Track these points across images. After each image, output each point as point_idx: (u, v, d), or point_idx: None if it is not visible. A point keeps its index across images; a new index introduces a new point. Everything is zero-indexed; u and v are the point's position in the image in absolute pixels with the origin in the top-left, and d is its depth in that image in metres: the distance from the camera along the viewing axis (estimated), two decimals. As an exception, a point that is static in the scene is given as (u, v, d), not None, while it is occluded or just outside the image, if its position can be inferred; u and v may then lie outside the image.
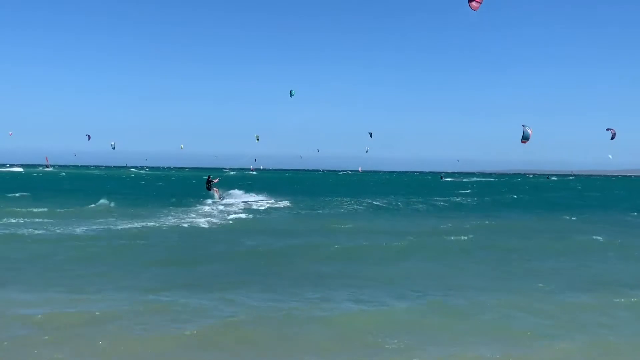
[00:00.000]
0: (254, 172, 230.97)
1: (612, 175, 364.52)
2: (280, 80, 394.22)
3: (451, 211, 45.12)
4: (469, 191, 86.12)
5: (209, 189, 50.91)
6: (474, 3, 22.63)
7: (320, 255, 22.34)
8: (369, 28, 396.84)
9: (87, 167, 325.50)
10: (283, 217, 37.74)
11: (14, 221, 31.01)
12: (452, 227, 32.29)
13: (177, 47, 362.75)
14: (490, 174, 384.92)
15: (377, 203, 53.46)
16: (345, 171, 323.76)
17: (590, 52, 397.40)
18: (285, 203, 48.85)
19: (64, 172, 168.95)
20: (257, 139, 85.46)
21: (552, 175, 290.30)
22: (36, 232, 26.75)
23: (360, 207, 47.43)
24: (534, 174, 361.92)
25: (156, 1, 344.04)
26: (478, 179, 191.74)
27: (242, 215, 37.50)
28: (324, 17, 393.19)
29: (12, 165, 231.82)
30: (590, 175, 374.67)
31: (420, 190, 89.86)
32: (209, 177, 51.63)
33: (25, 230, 27.14)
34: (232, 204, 46.63)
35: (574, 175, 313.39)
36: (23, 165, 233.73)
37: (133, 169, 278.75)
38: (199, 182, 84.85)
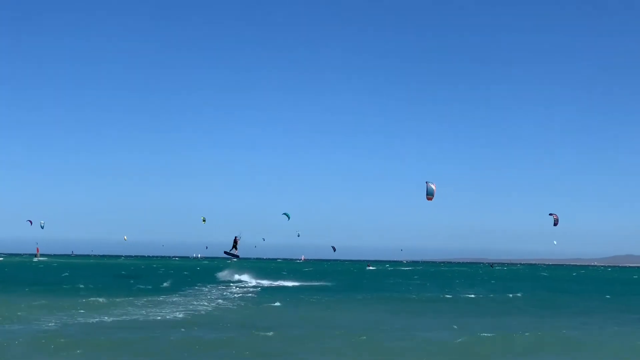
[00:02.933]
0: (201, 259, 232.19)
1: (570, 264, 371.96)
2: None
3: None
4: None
5: (234, 247, 56.89)
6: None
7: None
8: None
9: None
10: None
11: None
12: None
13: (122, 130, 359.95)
14: (432, 262, 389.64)
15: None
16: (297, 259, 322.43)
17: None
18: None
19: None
20: (204, 221, 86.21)
21: (497, 264, 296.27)
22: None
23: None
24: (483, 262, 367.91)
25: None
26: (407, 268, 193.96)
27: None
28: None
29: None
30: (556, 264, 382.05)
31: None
32: (235, 238, 56.21)
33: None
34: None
35: (521, 264, 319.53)
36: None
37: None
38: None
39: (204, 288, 56.15)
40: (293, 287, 61.70)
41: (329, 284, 69.54)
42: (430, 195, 38.34)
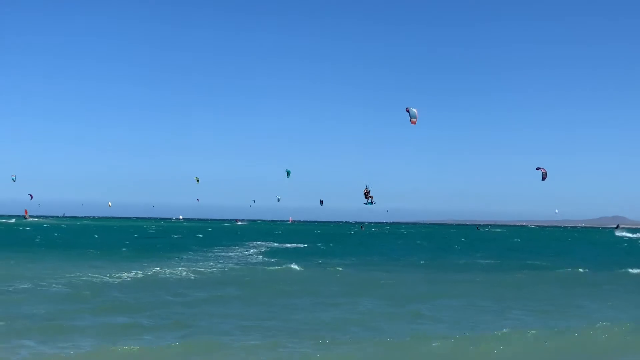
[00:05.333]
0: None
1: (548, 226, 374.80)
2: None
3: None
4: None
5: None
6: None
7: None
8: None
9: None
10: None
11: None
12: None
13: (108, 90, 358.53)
14: (421, 224, 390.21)
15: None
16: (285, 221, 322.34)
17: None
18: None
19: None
20: (197, 181, 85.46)
21: (482, 225, 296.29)
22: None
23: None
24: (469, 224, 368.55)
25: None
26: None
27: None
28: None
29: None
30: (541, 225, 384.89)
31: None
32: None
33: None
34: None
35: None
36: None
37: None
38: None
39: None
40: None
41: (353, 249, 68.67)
42: (414, 118, 37.77)
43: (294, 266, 38.24)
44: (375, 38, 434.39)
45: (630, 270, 39.86)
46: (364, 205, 56.62)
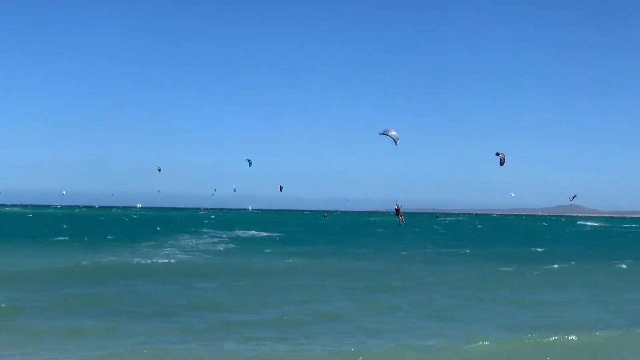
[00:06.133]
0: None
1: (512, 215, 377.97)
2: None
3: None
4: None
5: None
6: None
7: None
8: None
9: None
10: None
11: None
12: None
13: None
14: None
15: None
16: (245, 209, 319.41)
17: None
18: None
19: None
20: (159, 170, 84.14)
21: (441, 214, 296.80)
22: None
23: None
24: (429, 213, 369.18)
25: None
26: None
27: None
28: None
29: None
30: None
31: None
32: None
33: None
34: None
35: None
36: None
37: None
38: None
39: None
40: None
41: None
42: (397, 140, 36.54)
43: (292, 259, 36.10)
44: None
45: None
46: (397, 223, 59.05)
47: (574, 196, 64.38)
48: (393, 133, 36.47)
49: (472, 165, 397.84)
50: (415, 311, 19.67)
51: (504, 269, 31.62)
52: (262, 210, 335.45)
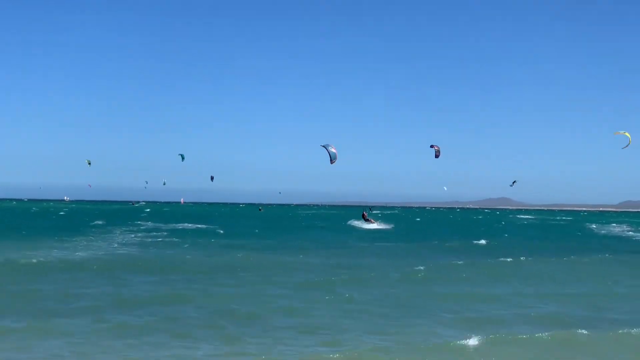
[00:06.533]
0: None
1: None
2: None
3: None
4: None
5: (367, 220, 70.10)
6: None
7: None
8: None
9: None
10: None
11: None
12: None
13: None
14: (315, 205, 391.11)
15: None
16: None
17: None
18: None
19: None
20: (89, 164, 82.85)
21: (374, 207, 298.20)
22: None
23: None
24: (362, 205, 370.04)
25: None
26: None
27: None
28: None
29: None
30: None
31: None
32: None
33: None
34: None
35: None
36: None
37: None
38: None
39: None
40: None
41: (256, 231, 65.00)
42: (333, 159, 36.04)
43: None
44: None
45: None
46: (362, 224, 66.84)
47: (514, 182, 67.23)
48: (332, 150, 36.01)
49: (405, 158, 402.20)
50: (369, 306, 18.57)
51: (457, 262, 30.93)
52: (195, 203, 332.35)
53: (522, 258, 32.75)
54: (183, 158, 60.72)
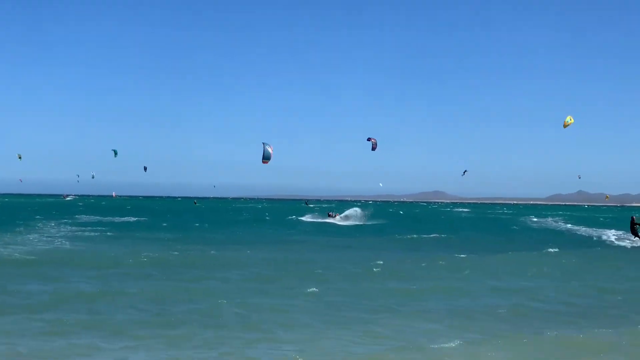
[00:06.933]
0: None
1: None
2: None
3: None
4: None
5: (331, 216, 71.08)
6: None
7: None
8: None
9: None
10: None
11: None
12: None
13: None
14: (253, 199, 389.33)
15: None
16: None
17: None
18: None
19: None
20: (20, 158, 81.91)
21: (310, 201, 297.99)
22: None
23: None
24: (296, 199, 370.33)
25: None
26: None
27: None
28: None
29: None
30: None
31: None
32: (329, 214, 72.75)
33: None
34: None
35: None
36: None
37: None
38: None
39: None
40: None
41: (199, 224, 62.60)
42: (266, 159, 35.40)
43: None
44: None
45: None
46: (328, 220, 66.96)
47: (465, 171, 70.66)
48: (269, 149, 35.33)
49: (339, 154, 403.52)
50: (319, 306, 17.34)
51: (413, 255, 30.06)
52: (129, 197, 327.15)
53: (475, 254, 31.82)
54: (116, 154, 59.77)
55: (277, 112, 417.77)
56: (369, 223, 63.62)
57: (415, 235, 46.53)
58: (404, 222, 75.04)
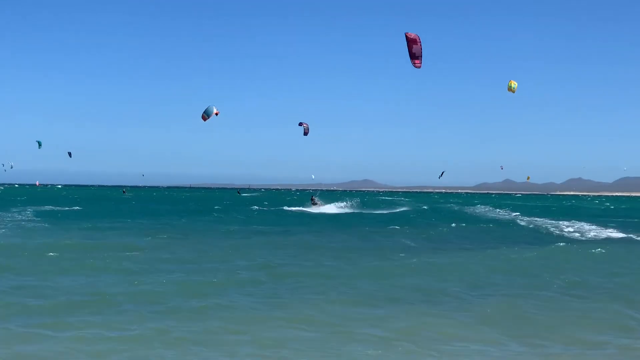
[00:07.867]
0: None
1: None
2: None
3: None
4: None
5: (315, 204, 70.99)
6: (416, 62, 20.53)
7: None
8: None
9: None
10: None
11: None
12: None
13: None
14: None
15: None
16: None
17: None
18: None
19: None
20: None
21: (242, 189, 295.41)
22: None
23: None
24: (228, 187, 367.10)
25: None
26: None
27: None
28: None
29: None
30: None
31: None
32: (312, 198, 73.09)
33: None
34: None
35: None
36: None
37: None
38: None
39: None
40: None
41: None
42: (207, 115, 34.04)
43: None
44: None
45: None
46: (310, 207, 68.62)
47: (442, 172, 77.19)
48: (214, 109, 34.98)
49: (270, 143, 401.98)
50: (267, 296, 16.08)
51: (362, 245, 28.92)
52: (53, 185, 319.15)
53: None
54: (40, 145, 59.48)
55: (200, 101, 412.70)
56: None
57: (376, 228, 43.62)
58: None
